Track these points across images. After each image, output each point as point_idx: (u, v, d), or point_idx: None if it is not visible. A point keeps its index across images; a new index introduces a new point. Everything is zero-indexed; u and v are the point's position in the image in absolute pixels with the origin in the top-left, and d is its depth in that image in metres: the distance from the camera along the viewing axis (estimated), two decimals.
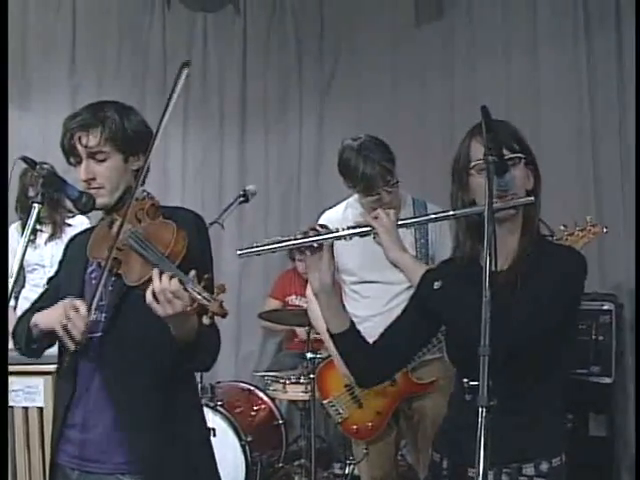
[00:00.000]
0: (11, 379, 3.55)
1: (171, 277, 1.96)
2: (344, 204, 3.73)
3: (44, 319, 2.26)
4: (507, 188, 2.00)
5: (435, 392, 3.55)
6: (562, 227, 3.58)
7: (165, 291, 1.95)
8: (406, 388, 3.58)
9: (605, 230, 3.77)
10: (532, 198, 2.08)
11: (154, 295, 1.98)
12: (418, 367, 3.53)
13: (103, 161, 2.31)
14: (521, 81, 5.60)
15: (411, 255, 2.17)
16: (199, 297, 1.91)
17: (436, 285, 2.07)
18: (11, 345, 4.18)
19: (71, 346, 2.14)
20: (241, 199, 4.43)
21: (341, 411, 3.76)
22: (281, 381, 5.21)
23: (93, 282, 2.30)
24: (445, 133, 5.64)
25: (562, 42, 5.39)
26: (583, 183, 5.23)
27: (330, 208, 3.80)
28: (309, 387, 4.93)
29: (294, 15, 6.62)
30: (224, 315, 1.91)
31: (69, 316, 2.12)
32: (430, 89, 6.09)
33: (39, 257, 4.75)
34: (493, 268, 1.76)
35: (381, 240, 2.12)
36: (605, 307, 4.59)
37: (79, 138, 2.29)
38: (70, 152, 2.33)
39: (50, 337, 2.29)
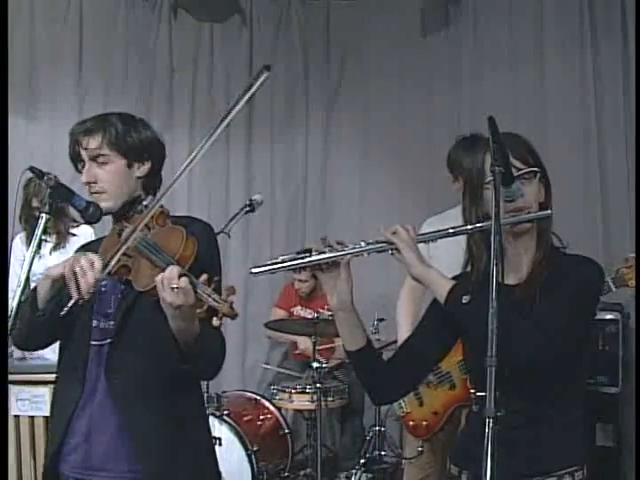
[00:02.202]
0: (17, 388, 3.56)
1: (181, 275, 1.96)
2: (444, 214, 3.70)
3: (56, 267, 2.23)
4: (514, 198, 1.99)
5: None
6: (630, 255, 3.31)
7: (171, 280, 1.95)
8: (462, 394, 3.58)
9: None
10: (549, 212, 2.07)
11: (161, 281, 1.98)
12: None
13: (104, 164, 2.33)
14: (527, 90, 5.60)
15: (436, 269, 2.11)
16: (210, 299, 1.91)
17: (465, 299, 2.02)
18: (19, 354, 4.21)
19: (74, 295, 2.09)
20: (247, 209, 4.44)
21: (403, 405, 3.81)
22: (287, 390, 5.21)
23: (103, 289, 2.30)
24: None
25: (568, 51, 5.40)
26: (590, 191, 5.23)
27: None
28: (315, 396, 4.93)
29: (300, 25, 6.64)
30: (234, 316, 1.91)
31: (82, 266, 2.10)
32: (437, 98, 6.10)
33: (44, 267, 4.73)
34: (502, 279, 1.75)
35: (403, 256, 2.06)
36: (611, 317, 4.58)
37: (82, 143, 2.32)
38: (75, 158, 2.36)
39: (56, 298, 2.24)
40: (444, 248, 3.24)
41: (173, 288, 1.94)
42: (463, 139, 3.69)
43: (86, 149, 2.32)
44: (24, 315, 2.26)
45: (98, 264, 2.12)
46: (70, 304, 2.13)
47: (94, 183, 2.32)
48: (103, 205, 2.32)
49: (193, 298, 1.95)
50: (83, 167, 2.35)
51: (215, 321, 1.92)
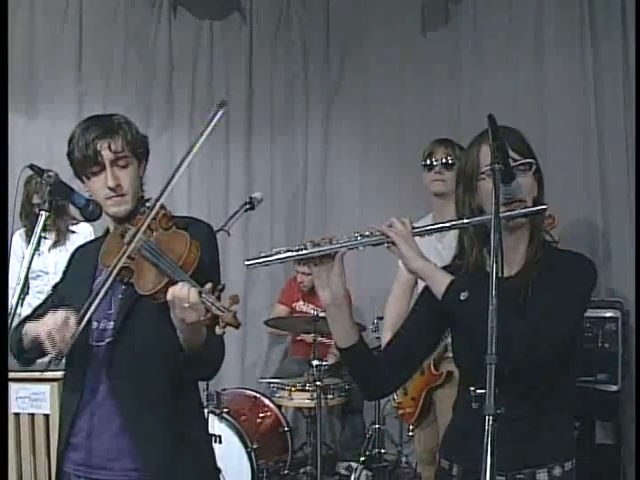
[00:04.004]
0: (17, 386, 3.56)
1: (191, 287, 1.96)
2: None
3: (32, 327, 2.25)
4: (513, 195, 1.99)
5: (450, 383, 3.67)
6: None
7: (182, 300, 1.95)
8: (429, 378, 3.79)
9: (554, 221, 3.78)
10: (545, 206, 2.07)
11: (173, 298, 1.98)
12: (438, 360, 3.71)
13: (125, 167, 2.31)
14: (527, 88, 5.59)
15: (434, 263, 2.11)
16: (214, 308, 1.91)
17: (463, 296, 2.02)
18: None
19: (51, 352, 2.12)
20: (247, 206, 4.43)
21: (395, 397, 4.04)
22: (287, 388, 5.20)
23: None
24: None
25: (568, 49, 5.39)
26: (590, 189, 5.22)
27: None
28: (315, 394, 4.93)
29: (300, 22, 6.64)
30: (237, 326, 1.91)
31: (57, 324, 2.12)
32: (437, 96, 6.09)
33: (43, 264, 4.75)
34: (499, 275, 1.75)
35: (399, 249, 2.05)
36: (611, 314, 4.58)
37: (104, 145, 2.27)
38: (91, 162, 2.29)
39: (39, 347, 2.24)
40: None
41: (184, 306, 1.95)
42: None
43: (115, 152, 2.28)
44: (13, 348, 2.34)
45: (72, 320, 2.13)
46: (48, 359, 2.17)
47: (119, 187, 2.29)
48: (123, 208, 2.32)
49: (204, 312, 1.94)
50: (95, 172, 2.30)
51: (218, 330, 1.92)
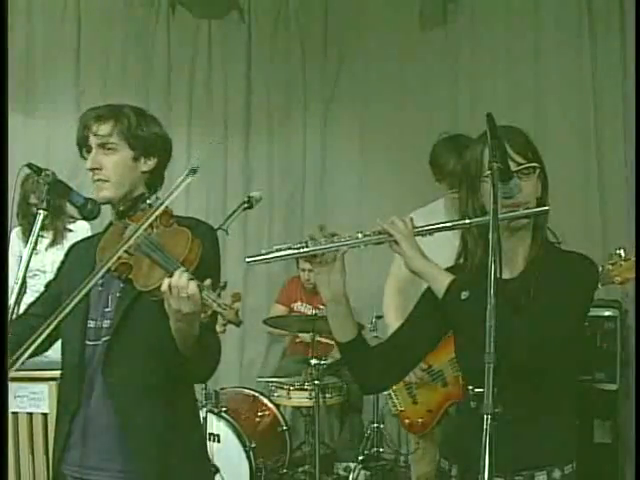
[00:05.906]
0: (16, 385, 3.55)
1: (190, 279, 1.94)
2: (427, 208, 3.68)
3: None
4: (512, 194, 1.98)
5: None
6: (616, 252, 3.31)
7: (180, 289, 1.93)
8: (454, 392, 3.59)
9: None
10: (547, 207, 2.07)
11: (169, 287, 1.96)
12: None
13: (111, 153, 2.31)
14: (525, 87, 5.60)
15: (434, 263, 2.11)
16: (215, 304, 1.90)
17: (463, 295, 2.02)
18: None
19: None
20: (245, 205, 4.43)
21: (397, 403, 3.87)
22: (285, 387, 5.19)
23: (99, 289, 2.29)
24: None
25: (566, 49, 5.40)
26: (588, 189, 5.23)
27: None
28: (313, 393, 4.92)
29: (298, 21, 6.63)
30: (239, 324, 1.90)
31: None
32: (434, 95, 6.09)
33: (40, 263, 4.74)
34: (499, 275, 1.75)
35: (401, 248, 2.05)
36: (610, 313, 4.58)
37: (91, 127, 2.31)
38: (82, 143, 2.34)
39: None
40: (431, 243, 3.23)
41: (182, 296, 1.93)
42: (445, 140, 3.65)
43: (96, 135, 2.30)
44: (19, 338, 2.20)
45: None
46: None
47: (98, 170, 2.30)
48: (103, 194, 2.31)
49: (200, 304, 1.93)
50: (88, 153, 2.33)
51: (219, 327, 1.91)
